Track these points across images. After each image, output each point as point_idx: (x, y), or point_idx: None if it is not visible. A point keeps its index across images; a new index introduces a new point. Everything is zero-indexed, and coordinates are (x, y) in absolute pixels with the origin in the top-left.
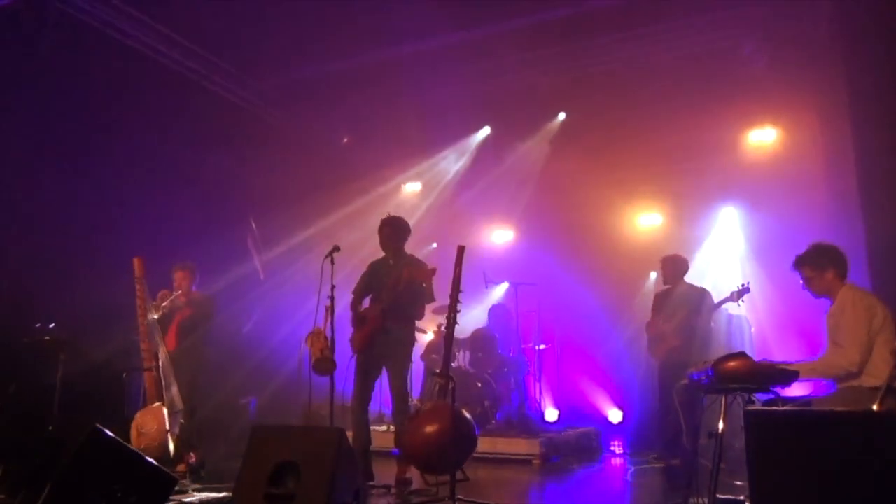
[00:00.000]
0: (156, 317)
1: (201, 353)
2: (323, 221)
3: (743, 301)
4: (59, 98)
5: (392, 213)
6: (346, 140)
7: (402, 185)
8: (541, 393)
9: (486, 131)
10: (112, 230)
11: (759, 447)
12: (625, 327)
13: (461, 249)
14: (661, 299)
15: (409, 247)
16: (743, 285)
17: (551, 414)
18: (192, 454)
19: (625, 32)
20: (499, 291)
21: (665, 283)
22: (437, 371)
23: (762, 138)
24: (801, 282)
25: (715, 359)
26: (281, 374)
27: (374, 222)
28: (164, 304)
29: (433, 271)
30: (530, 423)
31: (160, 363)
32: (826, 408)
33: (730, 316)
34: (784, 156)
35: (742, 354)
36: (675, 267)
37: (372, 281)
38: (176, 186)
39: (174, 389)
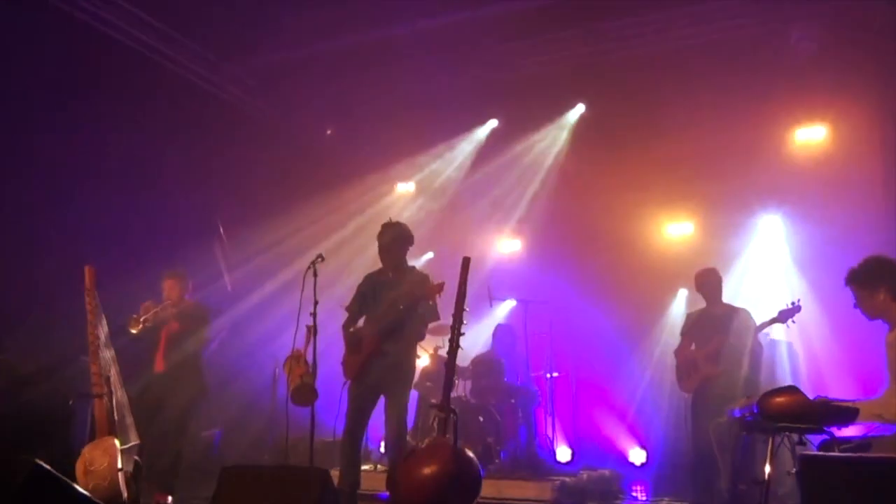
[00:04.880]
0: (134, 331)
1: (196, 376)
2: (303, 225)
3: (793, 322)
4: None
5: (393, 219)
6: (330, 132)
7: (395, 186)
8: (553, 428)
9: (492, 125)
10: (59, 235)
11: (816, 498)
12: (650, 353)
13: (466, 261)
14: (693, 322)
15: None
16: (793, 303)
17: (564, 453)
18: (168, 496)
19: (653, 13)
20: (504, 310)
21: (707, 301)
22: (435, 402)
23: (810, 137)
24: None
25: (760, 393)
26: (250, 404)
27: (362, 227)
28: (145, 316)
29: (441, 287)
30: (540, 464)
31: (113, 389)
32: (889, 452)
33: (773, 342)
34: (835, 156)
35: (793, 388)
36: (710, 283)
37: (368, 297)
38: (134, 184)
39: (129, 420)
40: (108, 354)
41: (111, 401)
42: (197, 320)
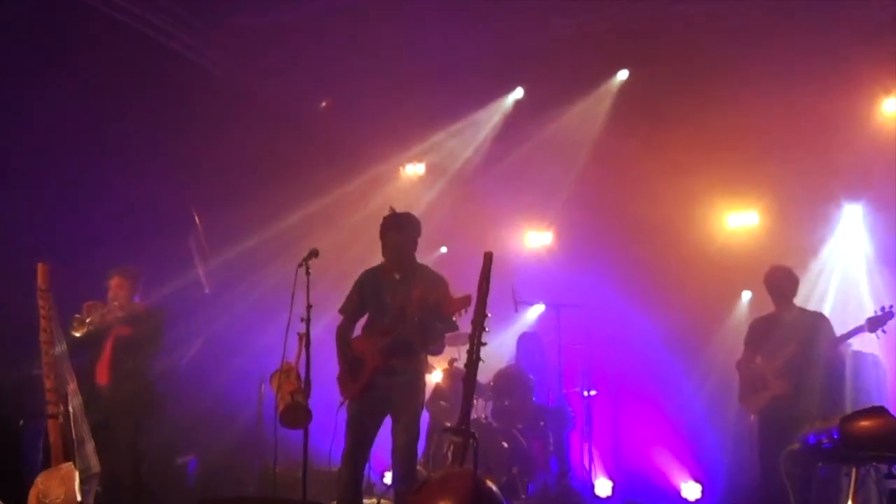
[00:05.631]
0: (78, 335)
1: (146, 390)
2: (293, 215)
3: (884, 332)
4: None
5: (394, 209)
6: (324, 104)
7: (401, 168)
8: (590, 456)
9: (517, 95)
10: (7, 228)
11: None
12: (706, 367)
13: (488, 258)
14: (759, 329)
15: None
16: (883, 308)
17: (603, 486)
18: None
19: None
20: (532, 315)
21: (777, 305)
22: (450, 425)
23: None
24: None
25: (841, 415)
26: (232, 426)
27: (364, 216)
28: (90, 318)
29: (467, 301)
30: (575, 499)
31: (70, 407)
32: None
33: (857, 354)
34: None
35: (880, 410)
36: (784, 284)
37: (368, 295)
38: (95, 166)
39: (89, 445)
40: (64, 366)
41: (68, 421)
42: (150, 324)
